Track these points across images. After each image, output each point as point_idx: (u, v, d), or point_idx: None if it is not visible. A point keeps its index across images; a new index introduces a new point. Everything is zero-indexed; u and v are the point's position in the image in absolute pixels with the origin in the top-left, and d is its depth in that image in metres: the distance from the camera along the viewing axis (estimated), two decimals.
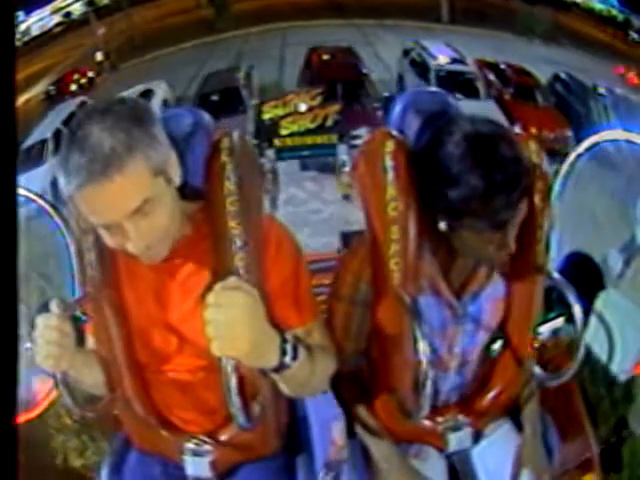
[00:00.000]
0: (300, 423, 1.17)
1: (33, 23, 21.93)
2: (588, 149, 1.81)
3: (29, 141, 9.42)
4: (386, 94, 9.16)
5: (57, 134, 9.27)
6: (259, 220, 0.91)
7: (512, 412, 1.13)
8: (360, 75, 9.21)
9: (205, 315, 0.71)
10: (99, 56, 14.32)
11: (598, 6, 19.40)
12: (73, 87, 12.68)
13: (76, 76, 12.80)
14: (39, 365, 0.83)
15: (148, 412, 0.99)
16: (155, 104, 10.06)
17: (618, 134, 1.71)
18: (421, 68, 10.46)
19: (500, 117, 8.84)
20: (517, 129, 9.08)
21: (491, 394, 1.10)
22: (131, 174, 0.74)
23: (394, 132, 0.99)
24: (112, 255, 0.91)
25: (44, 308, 0.83)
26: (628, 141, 1.69)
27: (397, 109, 1.04)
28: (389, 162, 0.94)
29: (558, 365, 1.06)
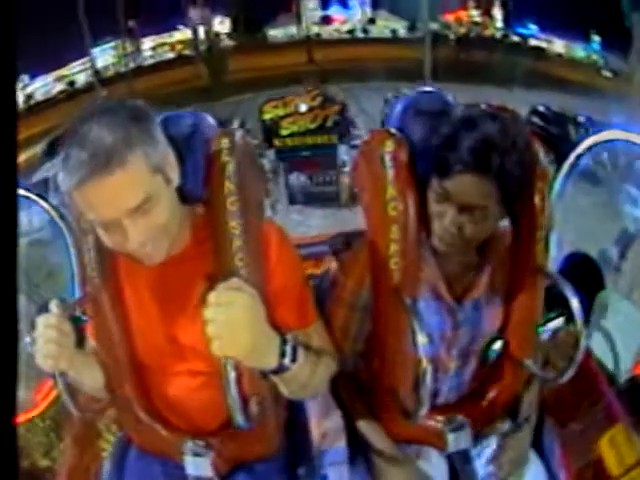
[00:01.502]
0: (300, 423, 1.17)
1: (37, 88, 22.66)
2: (588, 149, 1.82)
3: (31, 181, 9.59)
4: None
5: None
6: (259, 220, 0.91)
7: (512, 412, 1.13)
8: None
9: (205, 314, 0.71)
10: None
11: (580, 54, 19.88)
12: None
13: None
14: (39, 365, 0.83)
15: (148, 412, 0.99)
16: None
17: (618, 134, 1.72)
18: None
19: None
20: None
21: (491, 394, 1.10)
22: (131, 169, 0.74)
23: (394, 132, 0.99)
24: (112, 256, 0.91)
25: (44, 308, 0.83)
26: (628, 141, 1.69)
27: (397, 109, 1.04)
28: (389, 162, 0.94)
29: (558, 365, 1.06)
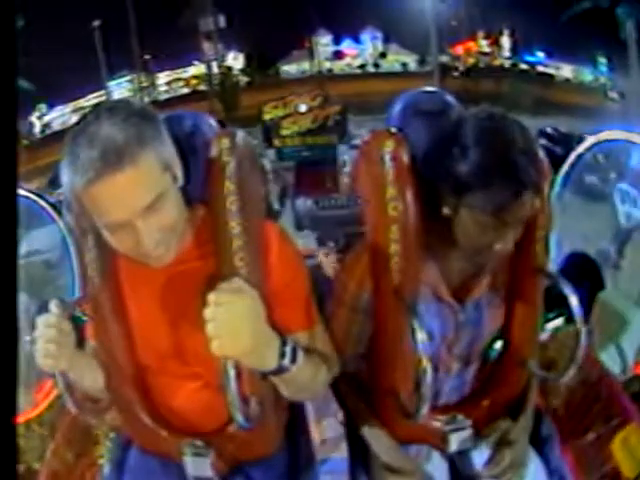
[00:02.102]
0: (300, 424, 1.17)
1: (54, 118, 23.07)
2: (588, 149, 1.82)
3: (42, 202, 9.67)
4: None
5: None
6: (259, 220, 0.91)
7: (512, 412, 1.13)
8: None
9: (206, 314, 0.71)
10: None
11: (588, 77, 19.97)
12: None
13: None
14: (39, 364, 0.83)
15: (148, 413, 0.99)
16: None
17: (618, 134, 1.72)
18: None
19: None
20: None
21: (492, 395, 1.10)
22: (143, 166, 0.74)
23: (394, 132, 0.99)
24: (112, 256, 0.90)
25: (44, 308, 0.83)
26: (628, 141, 1.69)
27: (397, 109, 1.04)
28: (389, 162, 0.94)
29: (559, 364, 1.05)
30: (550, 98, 16.19)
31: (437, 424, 1.08)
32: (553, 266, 1.09)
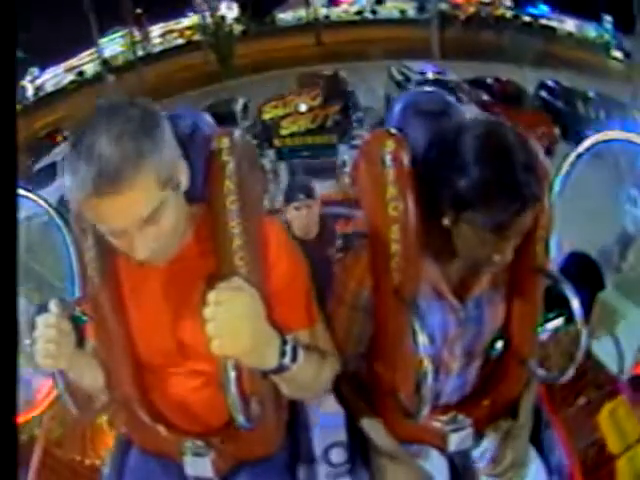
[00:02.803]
0: (300, 423, 1.17)
1: (47, 80, 22.80)
2: (588, 149, 1.82)
3: (40, 165, 9.73)
4: (370, 105, 9.36)
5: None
6: (259, 220, 0.91)
7: (513, 412, 1.13)
8: (344, 90, 9.28)
9: (206, 313, 0.71)
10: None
11: (592, 34, 19.76)
12: None
13: None
14: (39, 365, 0.83)
15: (148, 412, 0.99)
16: None
17: (618, 134, 1.72)
18: (404, 83, 10.58)
19: None
20: None
21: (493, 394, 1.10)
22: (140, 187, 0.73)
23: (394, 132, 0.99)
24: (112, 256, 0.91)
25: (43, 308, 0.83)
26: (628, 141, 1.69)
27: (397, 109, 1.04)
28: (389, 162, 0.94)
29: (558, 364, 1.06)
30: (552, 52, 15.80)
31: (437, 424, 1.08)
32: (553, 266, 1.09)
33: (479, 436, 1.11)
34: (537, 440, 1.16)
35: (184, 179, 0.83)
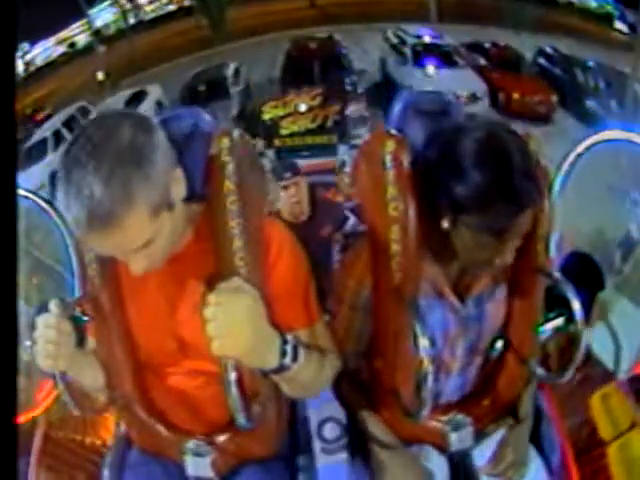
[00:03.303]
0: (300, 423, 1.17)
1: (37, 54, 22.55)
2: (588, 148, 1.82)
3: (30, 142, 9.69)
4: (364, 68, 9.29)
5: (57, 134, 9.60)
6: (259, 220, 0.91)
7: (513, 411, 1.13)
8: (337, 53, 9.21)
9: (206, 314, 0.71)
10: (100, 76, 14.67)
11: (593, 4, 19.47)
12: None
13: None
14: (39, 365, 0.83)
15: (148, 412, 0.99)
16: (148, 105, 10.30)
17: (618, 134, 1.71)
18: (400, 46, 10.38)
19: (480, 84, 8.72)
20: (500, 97, 9.00)
21: (493, 394, 1.10)
22: (131, 225, 0.73)
23: (394, 132, 0.99)
24: (112, 256, 0.91)
25: (44, 308, 0.83)
26: (629, 141, 1.69)
27: (397, 109, 1.04)
28: (389, 162, 0.94)
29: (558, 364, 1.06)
30: (551, 19, 15.44)
31: (438, 424, 1.08)
32: (553, 266, 1.09)
33: (479, 435, 1.12)
34: (538, 440, 1.16)
35: (180, 190, 0.81)
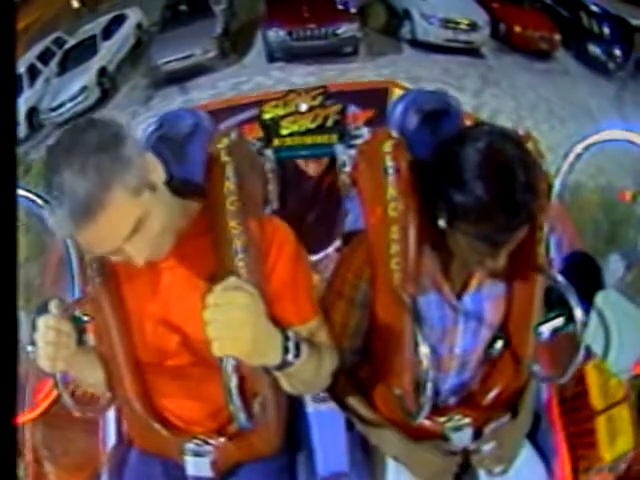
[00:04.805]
0: (300, 422, 1.17)
1: None
2: (588, 148, 1.81)
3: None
4: None
5: (31, 68, 9.01)
6: (259, 220, 0.91)
7: (512, 410, 1.13)
8: None
9: (205, 315, 0.71)
10: (75, 3, 14.13)
11: None
12: None
13: None
14: (39, 365, 0.83)
15: (148, 412, 0.99)
16: (128, 29, 9.71)
17: (618, 134, 1.71)
18: None
19: (481, 12, 8.20)
20: (501, 28, 8.79)
21: (491, 393, 1.10)
22: (114, 207, 0.74)
23: (394, 132, 0.99)
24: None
25: (44, 309, 0.83)
26: (629, 141, 1.69)
27: (398, 109, 1.04)
28: (389, 162, 0.94)
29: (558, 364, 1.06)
30: None
31: (437, 423, 1.08)
32: (553, 266, 1.09)
33: (478, 434, 1.12)
34: (537, 444, 1.17)
35: (158, 174, 0.82)
